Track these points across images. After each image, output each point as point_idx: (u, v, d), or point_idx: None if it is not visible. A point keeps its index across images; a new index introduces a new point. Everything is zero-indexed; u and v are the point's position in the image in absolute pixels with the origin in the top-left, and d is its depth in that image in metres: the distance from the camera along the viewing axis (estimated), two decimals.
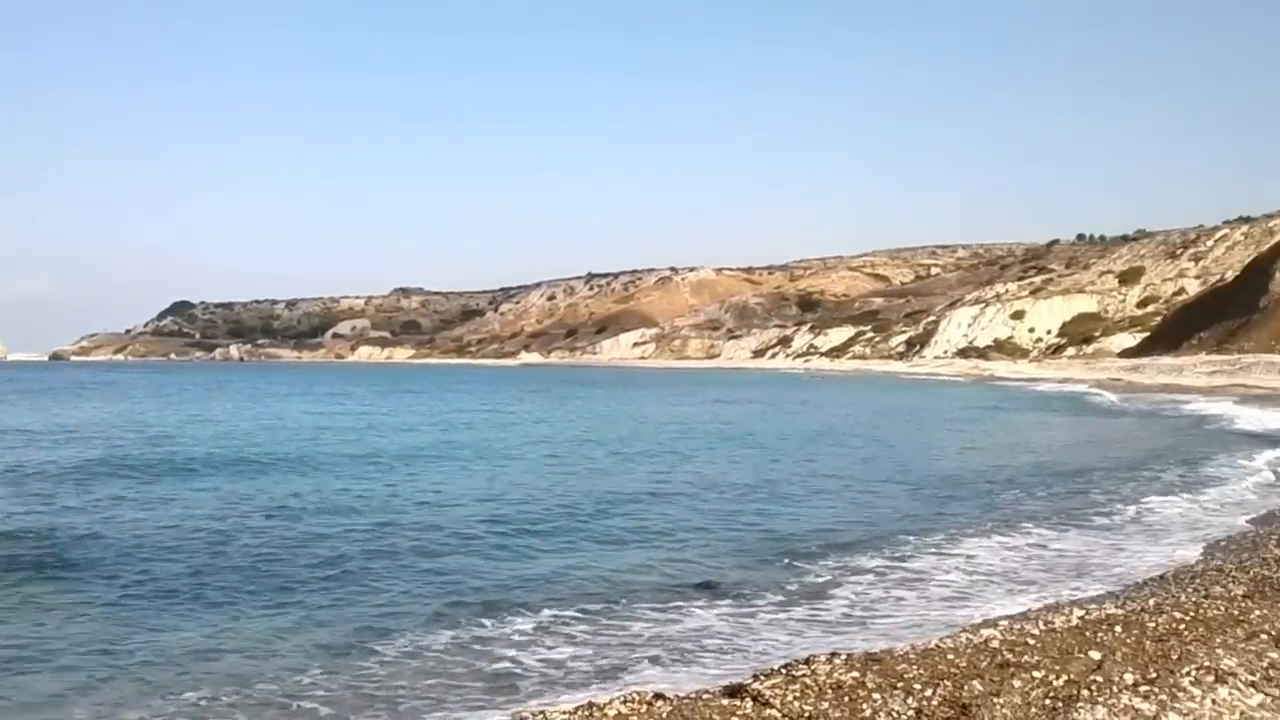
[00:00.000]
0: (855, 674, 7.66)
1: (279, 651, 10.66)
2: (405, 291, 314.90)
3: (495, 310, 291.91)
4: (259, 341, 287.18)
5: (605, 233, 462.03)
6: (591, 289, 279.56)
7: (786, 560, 14.88)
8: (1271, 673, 7.77)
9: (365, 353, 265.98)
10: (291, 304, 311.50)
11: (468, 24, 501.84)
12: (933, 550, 15.61)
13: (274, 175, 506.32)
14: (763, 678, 7.75)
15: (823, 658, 8.15)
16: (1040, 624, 9.22)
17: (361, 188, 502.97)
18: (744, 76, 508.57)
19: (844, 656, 8.21)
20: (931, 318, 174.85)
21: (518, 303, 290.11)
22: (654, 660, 10.21)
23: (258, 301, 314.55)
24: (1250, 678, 7.65)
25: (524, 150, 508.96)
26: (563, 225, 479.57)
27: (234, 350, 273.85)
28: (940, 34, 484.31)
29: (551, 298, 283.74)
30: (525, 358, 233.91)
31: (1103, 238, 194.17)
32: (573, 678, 9.79)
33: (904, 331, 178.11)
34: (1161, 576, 12.73)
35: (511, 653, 10.55)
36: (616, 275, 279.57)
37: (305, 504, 20.43)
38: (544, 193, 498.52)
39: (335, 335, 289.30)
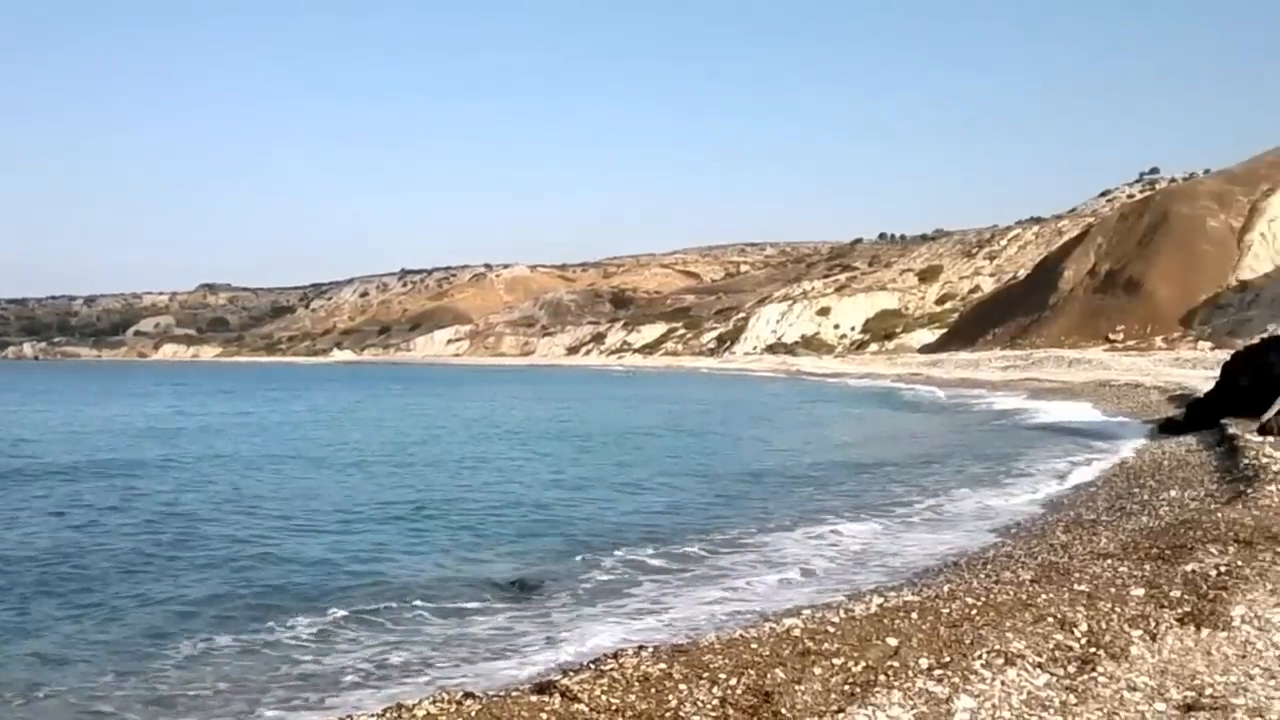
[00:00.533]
0: (663, 666, 7.73)
1: (71, 657, 10.27)
2: (212, 288, 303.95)
3: (307, 307, 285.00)
4: (55, 340, 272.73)
5: (419, 229, 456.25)
6: (405, 285, 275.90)
7: (592, 556, 14.95)
8: (1057, 654, 8.12)
9: (170, 351, 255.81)
10: (91, 300, 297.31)
11: (260, 15, 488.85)
12: (734, 544, 15.95)
13: (70, 166, 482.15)
14: (571, 673, 7.76)
15: (630, 651, 8.20)
16: (841, 612, 9.48)
17: (164, 181, 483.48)
18: (551, 76, 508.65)
19: (651, 649, 8.29)
20: (741, 314, 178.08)
21: (330, 299, 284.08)
22: (461, 659, 10.16)
23: (54, 297, 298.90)
24: (1037, 659, 7.98)
25: (333, 145, 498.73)
26: (376, 221, 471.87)
27: (28, 349, 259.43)
28: (745, 33, 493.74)
29: (365, 294, 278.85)
30: (338, 355, 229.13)
31: (903, 237, 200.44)
32: (380, 676, 9.68)
33: (715, 328, 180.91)
34: (956, 563, 13.25)
35: (317, 653, 10.37)
36: (430, 272, 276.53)
37: (100, 508, 19.63)
38: (356, 189, 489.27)
39: (138, 333, 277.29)
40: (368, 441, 35.69)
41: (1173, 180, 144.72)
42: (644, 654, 8.10)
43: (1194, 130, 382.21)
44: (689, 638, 9.36)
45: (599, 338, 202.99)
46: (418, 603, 12.21)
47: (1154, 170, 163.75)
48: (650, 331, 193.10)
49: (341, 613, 11.75)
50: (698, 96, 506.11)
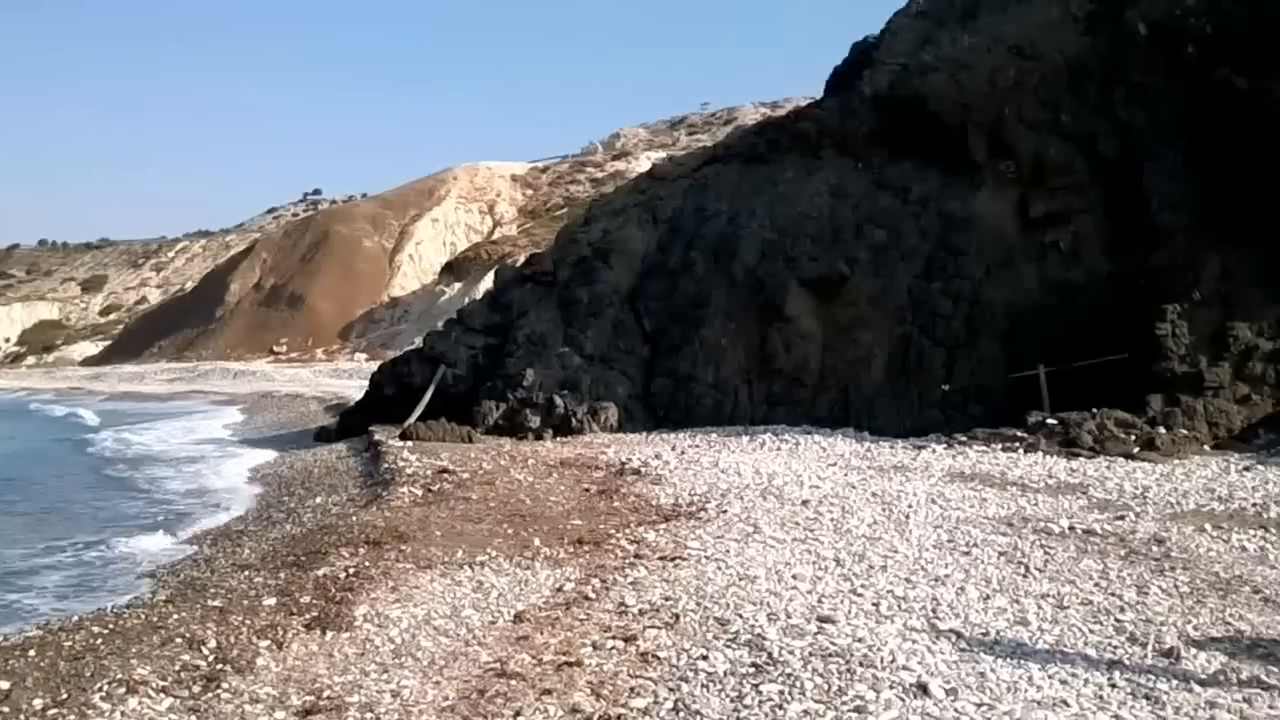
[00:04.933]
0: None
1: None
2: None
3: None
4: None
5: None
6: None
7: None
8: (183, 675, 8.03)
9: None
10: None
11: None
12: None
13: None
14: None
15: None
16: None
17: None
18: None
19: None
20: None
21: None
22: None
23: None
24: (162, 683, 7.84)
25: None
26: None
27: None
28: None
29: None
30: None
31: (66, 245, 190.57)
32: None
33: None
34: (93, 590, 12.68)
35: None
36: None
37: None
38: None
39: None
40: None
41: (334, 202, 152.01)
42: None
43: (354, 157, 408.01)
44: None
45: None
46: None
47: (317, 191, 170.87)
48: None
49: None
50: None
